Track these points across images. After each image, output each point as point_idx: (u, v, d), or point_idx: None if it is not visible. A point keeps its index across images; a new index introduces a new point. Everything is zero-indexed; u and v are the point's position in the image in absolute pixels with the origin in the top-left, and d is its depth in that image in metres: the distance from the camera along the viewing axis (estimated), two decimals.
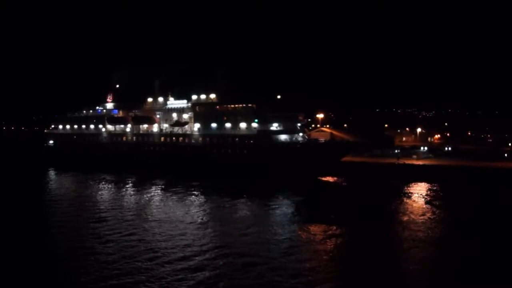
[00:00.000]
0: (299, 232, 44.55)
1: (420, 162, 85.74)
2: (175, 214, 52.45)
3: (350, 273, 33.99)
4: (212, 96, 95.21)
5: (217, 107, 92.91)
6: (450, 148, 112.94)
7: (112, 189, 73.61)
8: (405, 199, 61.46)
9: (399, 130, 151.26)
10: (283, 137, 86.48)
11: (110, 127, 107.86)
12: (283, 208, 56.60)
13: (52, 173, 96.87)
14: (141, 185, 75.63)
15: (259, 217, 51.62)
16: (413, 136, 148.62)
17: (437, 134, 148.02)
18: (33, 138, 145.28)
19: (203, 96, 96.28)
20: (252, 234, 43.45)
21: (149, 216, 51.87)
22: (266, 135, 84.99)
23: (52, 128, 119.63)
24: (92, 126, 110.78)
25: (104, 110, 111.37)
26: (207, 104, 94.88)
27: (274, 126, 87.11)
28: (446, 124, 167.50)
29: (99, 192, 71.17)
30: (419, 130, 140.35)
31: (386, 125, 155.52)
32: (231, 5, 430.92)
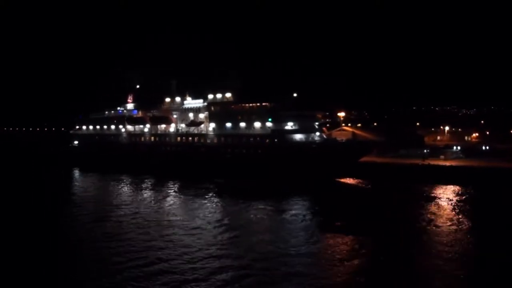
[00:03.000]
0: (316, 244, 40.06)
1: (447, 163, 79.36)
2: (186, 218, 49.95)
3: None
4: (228, 95, 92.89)
5: (232, 106, 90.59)
6: (487, 148, 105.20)
7: (128, 191, 72.21)
8: (426, 204, 55.90)
9: (433, 129, 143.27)
10: (298, 136, 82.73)
11: (129, 127, 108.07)
12: (297, 213, 52.11)
13: (75, 174, 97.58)
14: (156, 186, 74.17)
15: (271, 225, 47.67)
16: (448, 135, 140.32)
17: (475, 133, 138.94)
18: (63, 138, 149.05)
19: (219, 96, 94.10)
20: (266, 244, 39.45)
21: (160, 220, 49.24)
22: (280, 134, 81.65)
23: (77, 129, 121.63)
24: (113, 127, 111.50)
25: (125, 111, 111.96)
26: (222, 103, 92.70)
27: (289, 125, 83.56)
28: (482, 122, 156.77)
29: (115, 194, 69.93)
30: (447, 128, 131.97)
31: (418, 124, 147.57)
32: (231, 5, 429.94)
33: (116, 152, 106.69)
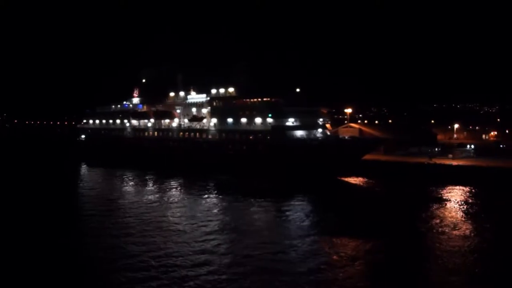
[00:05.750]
0: (313, 246, 37.83)
1: (454, 162, 75.42)
2: (184, 218, 48.11)
3: None
4: (231, 90, 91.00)
5: (234, 101, 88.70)
6: (504, 146, 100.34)
7: (129, 188, 70.30)
8: (425, 206, 52.69)
9: (449, 126, 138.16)
10: (299, 133, 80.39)
11: (134, 122, 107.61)
12: (296, 214, 49.68)
13: (80, 169, 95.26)
14: (158, 184, 72.51)
15: (269, 226, 45.68)
16: (465, 133, 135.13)
17: (494, 131, 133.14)
18: (72, 132, 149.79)
19: (222, 90, 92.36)
20: (262, 246, 37.33)
21: (158, 219, 47.20)
22: (280, 130, 79.41)
23: (84, 123, 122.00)
24: (118, 121, 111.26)
25: (131, 105, 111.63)
26: (224, 98, 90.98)
27: (290, 122, 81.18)
28: (498, 120, 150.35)
29: (116, 191, 67.96)
30: (456, 126, 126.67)
31: (432, 121, 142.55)
32: (232, 5, 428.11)
33: (120, 147, 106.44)
